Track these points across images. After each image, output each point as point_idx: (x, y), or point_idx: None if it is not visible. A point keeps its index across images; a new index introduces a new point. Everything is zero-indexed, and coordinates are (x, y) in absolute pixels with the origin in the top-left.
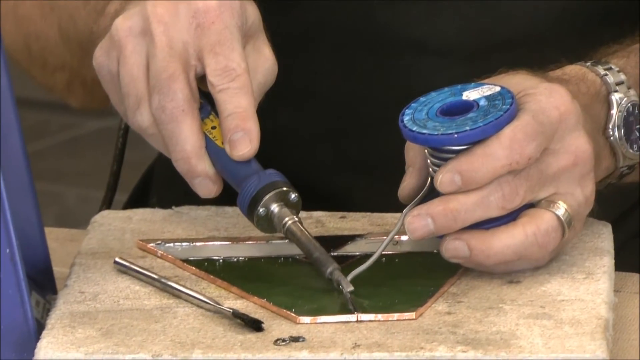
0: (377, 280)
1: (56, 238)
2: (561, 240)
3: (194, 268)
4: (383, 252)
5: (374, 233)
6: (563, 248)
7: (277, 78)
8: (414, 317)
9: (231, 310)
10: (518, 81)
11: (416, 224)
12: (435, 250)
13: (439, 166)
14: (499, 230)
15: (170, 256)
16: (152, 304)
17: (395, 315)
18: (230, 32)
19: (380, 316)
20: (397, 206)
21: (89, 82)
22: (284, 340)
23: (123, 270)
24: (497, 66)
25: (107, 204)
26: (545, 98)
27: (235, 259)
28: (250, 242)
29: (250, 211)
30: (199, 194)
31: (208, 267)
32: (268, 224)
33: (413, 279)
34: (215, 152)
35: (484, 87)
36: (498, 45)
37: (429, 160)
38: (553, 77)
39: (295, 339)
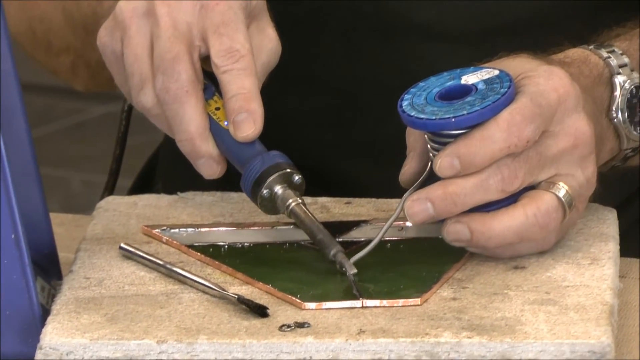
0: (382, 266)
1: (61, 223)
2: (562, 220)
3: (199, 254)
4: (388, 238)
5: (379, 219)
6: (567, 230)
7: (283, 62)
8: (419, 302)
9: (236, 296)
10: (518, 64)
11: (416, 208)
12: (440, 236)
13: (438, 151)
14: (499, 213)
15: (175, 242)
16: (157, 290)
17: (401, 301)
18: (234, 12)
19: (385, 302)
20: (403, 190)
21: (93, 64)
22: (289, 326)
23: (128, 255)
24: (503, 50)
25: (110, 189)
26: (544, 80)
27: (240, 245)
28: (255, 227)
29: (254, 192)
30: (202, 174)
31: (213, 252)
32: (271, 205)
33: (418, 264)
34: (219, 132)
35: (483, 70)
36: (503, 29)
37: (428, 145)
38: (555, 60)
39: (300, 325)
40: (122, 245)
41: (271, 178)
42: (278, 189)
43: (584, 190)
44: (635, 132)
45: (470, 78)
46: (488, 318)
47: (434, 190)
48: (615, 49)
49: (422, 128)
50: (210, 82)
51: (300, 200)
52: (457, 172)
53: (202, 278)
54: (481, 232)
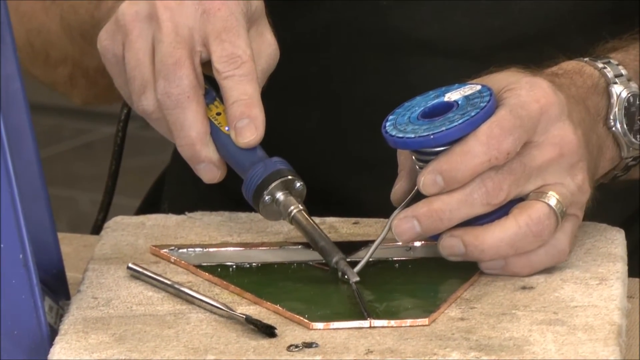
0: (390, 286)
1: (69, 243)
2: (555, 228)
3: (207, 274)
4: (396, 258)
5: (387, 239)
6: (573, 240)
7: (287, 80)
8: (427, 322)
9: (244, 316)
10: (502, 77)
11: (403, 226)
12: None
13: (417, 165)
14: (492, 225)
15: (183, 262)
16: (165, 310)
17: (408, 321)
18: (236, 18)
19: (393, 322)
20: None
21: (91, 73)
22: (297, 346)
23: (136, 275)
24: (506, 65)
25: (106, 208)
26: (526, 92)
27: (248, 265)
28: (263, 247)
29: (255, 198)
30: (202, 179)
31: (221, 272)
32: (273, 211)
33: (426, 284)
34: (220, 138)
35: (466, 87)
36: (507, 45)
37: (416, 166)
38: (544, 72)
39: (308, 345)
40: (130, 265)
41: (273, 184)
42: (280, 196)
43: (577, 197)
44: (635, 141)
45: (453, 95)
46: (496, 338)
47: (419, 208)
48: (611, 60)
49: (403, 147)
50: (210, 87)
51: (302, 207)
52: (441, 189)
53: (210, 298)
54: (474, 245)
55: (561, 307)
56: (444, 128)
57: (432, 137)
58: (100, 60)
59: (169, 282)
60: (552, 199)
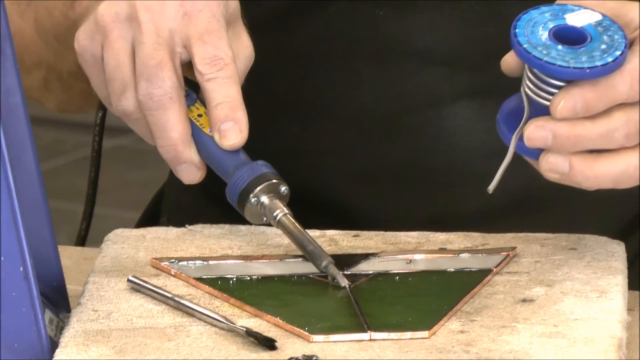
0: (390, 299)
1: (70, 256)
2: None
3: (207, 286)
4: (396, 271)
5: (387, 251)
6: None
7: (283, 91)
8: (427, 335)
9: (244, 329)
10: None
11: (537, 133)
12: (448, 269)
13: (537, 87)
14: (602, 156)
15: (183, 274)
16: (166, 323)
17: (409, 334)
18: (218, 20)
19: (393, 335)
20: (405, 215)
21: (65, 77)
22: (297, 359)
23: (137, 288)
24: (501, 73)
25: (88, 218)
26: None
27: (248, 278)
28: (263, 260)
29: (241, 201)
30: (182, 180)
31: (221, 285)
32: (257, 214)
33: (426, 297)
34: (201, 139)
35: (586, 12)
36: (502, 52)
37: (527, 79)
38: None
39: (308, 358)
40: (131, 277)
41: (259, 188)
42: (265, 199)
43: None
44: None
45: (575, 19)
46: (496, 351)
47: (561, 126)
48: None
49: (554, 74)
50: (190, 89)
51: (287, 211)
52: (574, 115)
53: (210, 311)
54: (581, 170)
55: (561, 320)
56: (598, 63)
57: (588, 71)
58: (75, 63)
59: (169, 295)
60: None
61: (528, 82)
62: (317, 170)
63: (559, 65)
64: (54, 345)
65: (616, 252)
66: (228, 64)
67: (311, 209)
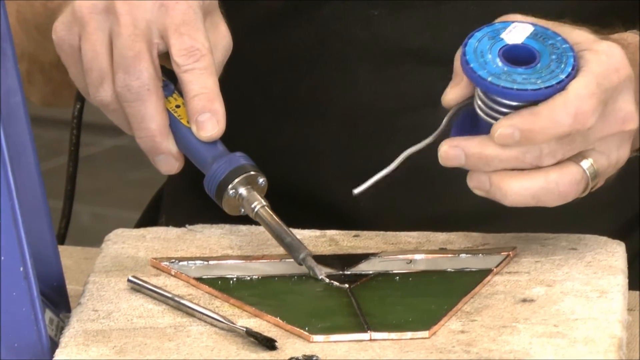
0: (390, 299)
1: (70, 256)
2: (581, 193)
3: (207, 286)
4: (397, 271)
5: (387, 251)
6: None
7: (280, 93)
8: (427, 335)
9: (244, 329)
10: (577, 34)
11: (450, 153)
12: (448, 269)
13: (488, 107)
14: (521, 173)
15: (183, 274)
16: (166, 323)
17: (409, 334)
18: (194, 11)
19: (393, 335)
20: (405, 215)
21: (47, 68)
22: (297, 359)
23: (137, 288)
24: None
25: (67, 215)
26: (606, 58)
27: (248, 277)
28: (263, 260)
29: (219, 192)
30: (160, 170)
31: (222, 285)
32: (235, 206)
33: (426, 297)
34: (179, 130)
35: (520, 26)
36: None
37: (478, 99)
38: (615, 38)
39: (308, 358)
40: (131, 277)
41: (237, 180)
42: (243, 191)
43: (611, 170)
44: None
45: (511, 36)
46: (497, 351)
47: (472, 147)
48: None
49: (498, 95)
50: (168, 80)
51: (265, 203)
52: (514, 144)
53: (210, 311)
54: (499, 187)
55: (562, 320)
56: (540, 85)
57: (531, 91)
58: (55, 54)
59: (169, 295)
60: (591, 166)
61: (478, 101)
62: (315, 170)
63: (503, 87)
64: (54, 345)
65: (616, 252)
66: (204, 55)
67: (311, 209)
